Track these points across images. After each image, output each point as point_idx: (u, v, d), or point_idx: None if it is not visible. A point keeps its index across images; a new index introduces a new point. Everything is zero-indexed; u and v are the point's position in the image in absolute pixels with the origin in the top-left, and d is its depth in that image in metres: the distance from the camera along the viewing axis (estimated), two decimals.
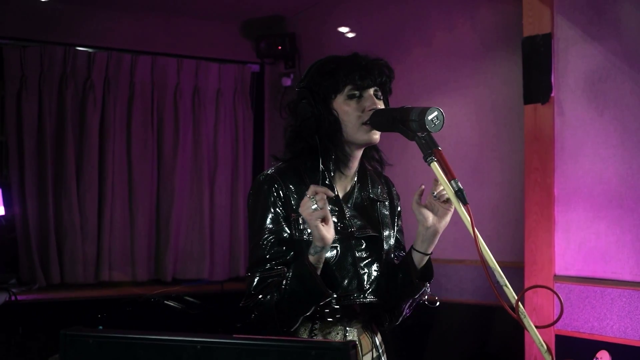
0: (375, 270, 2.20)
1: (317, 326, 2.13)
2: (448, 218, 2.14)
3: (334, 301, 2.10)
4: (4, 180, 5.34)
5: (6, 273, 5.24)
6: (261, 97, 6.25)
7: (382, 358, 2.28)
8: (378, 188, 2.31)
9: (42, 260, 5.26)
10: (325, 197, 1.92)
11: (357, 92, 2.15)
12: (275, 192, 2.13)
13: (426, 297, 2.27)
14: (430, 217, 2.12)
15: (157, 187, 5.71)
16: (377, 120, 2.11)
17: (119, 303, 4.79)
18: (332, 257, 2.11)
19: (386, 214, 2.30)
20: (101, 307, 4.66)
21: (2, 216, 5.21)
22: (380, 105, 2.17)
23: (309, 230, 2.08)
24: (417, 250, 2.19)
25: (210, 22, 5.94)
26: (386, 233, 2.26)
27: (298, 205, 2.05)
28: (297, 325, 2.06)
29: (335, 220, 2.15)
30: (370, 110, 2.12)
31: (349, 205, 2.22)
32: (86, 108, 5.42)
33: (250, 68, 6.13)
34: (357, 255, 2.17)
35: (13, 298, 4.77)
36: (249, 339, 1.44)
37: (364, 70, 2.14)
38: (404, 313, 2.29)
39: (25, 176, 5.23)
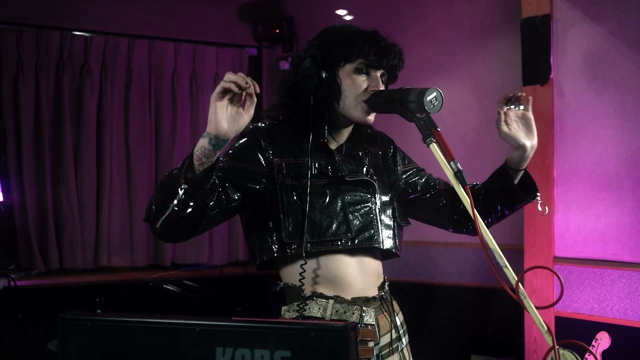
0: (369, 216, 2.18)
1: (334, 306, 2.11)
2: (534, 129, 2.21)
3: (309, 245, 2.08)
4: (1, 167, 5.32)
5: (5, 259, 5.24)
6: (259, 81, 6.16)
7: (403, 339, 2.25)
8: (371, 139, 2.32)
9: (40, 246, 5.25)
10: (240, 82, 1.80)
11: (365, 69, 2.14)
12: (255, 137, 2.14)
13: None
14: (521, 138, 2.19)
15: (156, 172, 5.69)
16: (375, 102, 2.10)
17: (118, 288, 4.79)
18: (320, 201, 2.11)
19: (380, 163, 2.30)
20: (100, 292, 4.66)
21: (0, 202, 5.20)
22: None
23: (293, 175, 2.11)
24: (510, 167, 2.25)
25: (207, 6, 5.90)
26: (381, 181, 2.25)
27: (280, 152, 2.12)
28: (164, 217, 1.90)
29: (325, 165, 2.15)
30: (372, 91, 2.12)
31: (342, 154, 2.22)
32: (83, 93, 5.39)
33: (247, 52, 6.10)
34: (347, 199, 2.15)
35: (12, 284, 4.77)
36: (247, 321, 1.43)
37: (380, 49, 2.13)
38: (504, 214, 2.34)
39: (23, 162, 5.21)
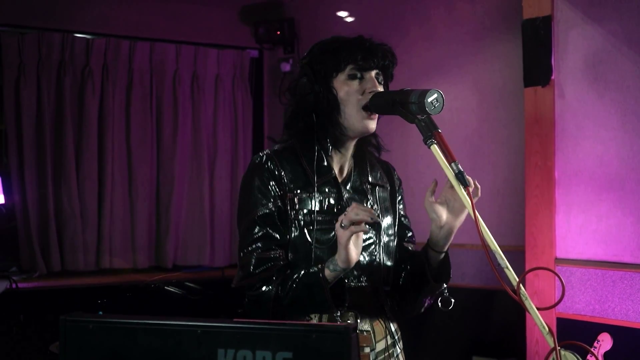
0: (374, 255, 2.17)
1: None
2: (463, 216, 2.06)
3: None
4: (3, 169, 5.32)
5: (7, 261, 5.23)
6: (260, 83, 6.23)
7: (398, 345, 2.25)
8: (377, 173, 2.29)
9: (42, 248, 5.25)
10: (366, 218, 1.91)
11: (358, 73, 2.13)
12: (268, 171, 2.12)
13: (442, 296, 2.16)
14: (444, 215, 2.05)
15: (157, 173, 5.69)
16: (376, 103, 2.10)
17: (120, 289, 4.79)
18: (328, 238, 2.09)
19: (386, 198, 2.28)
20: (102, 294, 4.66)
21: (2, 204, 5.20)
22: (381, 89, 2.15)
23: (304, 211, 2.09)
24: (432, 249, 2.12)
25: (208, 8, 5.91)
26: (386, 218, 2.24)
27: (292, 184, 2.09)
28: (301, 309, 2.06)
29: (333, 202, 2.14)
30: (370, 92, 2.11)
31: (348, 188, 2.20)
32: (85, 95, 5.40)
33: (249, 54, 6.10)
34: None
35: (14, 286, 4.77)
36: (249, 323, 1.43)
37: (367, 51, 2.12)
38: (425, 305, 2.25)
39: (24, 164, 5.22)
